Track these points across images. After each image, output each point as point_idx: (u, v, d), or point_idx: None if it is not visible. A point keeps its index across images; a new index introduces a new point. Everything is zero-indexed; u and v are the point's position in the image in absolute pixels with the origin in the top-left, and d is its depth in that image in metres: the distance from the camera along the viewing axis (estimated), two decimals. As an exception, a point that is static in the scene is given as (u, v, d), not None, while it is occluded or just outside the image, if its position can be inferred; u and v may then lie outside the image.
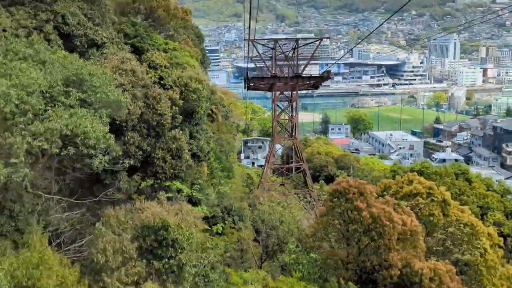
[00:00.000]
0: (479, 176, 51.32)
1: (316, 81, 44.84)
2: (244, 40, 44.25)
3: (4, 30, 16.57)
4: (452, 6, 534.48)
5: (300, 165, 45.59)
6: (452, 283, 21.27)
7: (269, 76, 44.38)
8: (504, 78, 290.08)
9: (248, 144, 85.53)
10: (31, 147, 12.05)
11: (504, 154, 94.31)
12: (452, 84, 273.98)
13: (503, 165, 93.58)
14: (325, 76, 45.46)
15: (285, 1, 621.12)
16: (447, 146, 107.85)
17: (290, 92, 45.64)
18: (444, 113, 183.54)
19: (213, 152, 31.53)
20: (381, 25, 36.50)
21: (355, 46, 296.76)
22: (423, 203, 27.14)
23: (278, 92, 46.58)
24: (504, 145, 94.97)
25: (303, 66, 43.99)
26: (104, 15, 23.10)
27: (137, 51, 24.43)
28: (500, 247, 29.97)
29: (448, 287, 20.98)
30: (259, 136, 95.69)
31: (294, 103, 45.79)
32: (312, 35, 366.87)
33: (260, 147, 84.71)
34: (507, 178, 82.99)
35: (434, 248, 26.65)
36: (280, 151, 65.31)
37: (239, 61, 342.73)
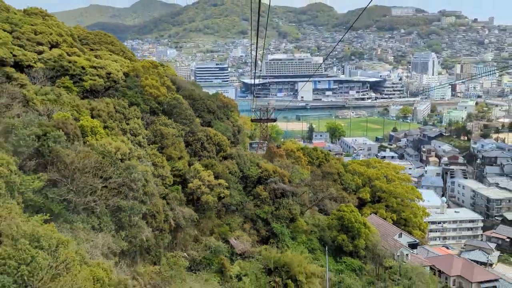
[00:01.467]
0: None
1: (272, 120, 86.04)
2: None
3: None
4: (438, 25, 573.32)
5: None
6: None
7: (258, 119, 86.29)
8: (472, 93, 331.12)
9: (252, 145, 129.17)
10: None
11: (421, 153, 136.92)
12: (426, 98, 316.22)
13: (421, 160, 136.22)
14: (274, 119, 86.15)
15: (287, 19, 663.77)
16: (390, 148, 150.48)
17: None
18: (408, 123, 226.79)
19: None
20: (336, 44, 79.22)
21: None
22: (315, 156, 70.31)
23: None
24: (422, 147, 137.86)
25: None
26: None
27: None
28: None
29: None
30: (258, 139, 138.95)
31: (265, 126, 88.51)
32: (308, 55, 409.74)
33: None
34: (418, 167, 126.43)
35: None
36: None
37: (245, 76, 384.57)
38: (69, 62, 43.11)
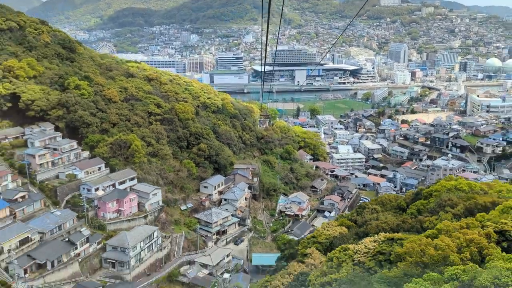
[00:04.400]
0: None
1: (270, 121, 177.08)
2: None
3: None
4: (418, 14, 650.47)
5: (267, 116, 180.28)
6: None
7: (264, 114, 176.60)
8: (426, 79, 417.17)
9: (260, 121, 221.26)
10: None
11: (356, 126, 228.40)
12: (391, 82, 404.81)
13: (356, 130, 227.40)
14: (269, 116, 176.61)
15: (292, 7, 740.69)
16: (341, 122, 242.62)
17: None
18: (368, 105, 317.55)
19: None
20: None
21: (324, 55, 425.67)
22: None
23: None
24: (358, 123, 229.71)
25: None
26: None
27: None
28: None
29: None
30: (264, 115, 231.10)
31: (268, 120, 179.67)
32: (305, 47, 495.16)
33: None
34: (360, 138, 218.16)
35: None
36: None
37: (256, 63, 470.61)
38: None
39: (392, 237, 40.75)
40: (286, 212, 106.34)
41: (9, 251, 62.78)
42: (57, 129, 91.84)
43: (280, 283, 50.56)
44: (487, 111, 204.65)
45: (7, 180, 75.04)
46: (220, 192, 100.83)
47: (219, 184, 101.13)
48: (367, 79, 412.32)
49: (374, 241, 41.13)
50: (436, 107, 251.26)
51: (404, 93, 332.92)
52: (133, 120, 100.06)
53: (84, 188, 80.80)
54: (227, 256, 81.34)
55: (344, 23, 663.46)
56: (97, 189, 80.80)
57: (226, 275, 76.77)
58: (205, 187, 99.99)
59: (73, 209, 76.50)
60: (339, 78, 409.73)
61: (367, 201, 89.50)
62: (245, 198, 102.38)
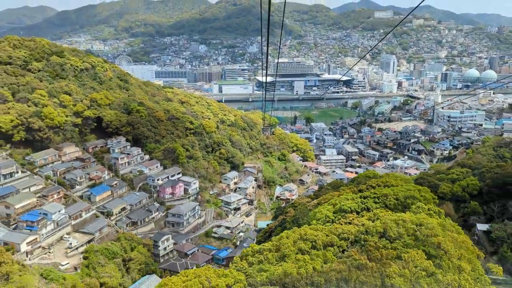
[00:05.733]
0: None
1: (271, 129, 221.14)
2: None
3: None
4: (409, 26, 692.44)
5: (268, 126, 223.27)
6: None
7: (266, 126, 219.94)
8: (411, 88, 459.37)
9: (263, 130, 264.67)
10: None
11: (342, 132, 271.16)
12: (379, 92, 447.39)
13: (342, 136, 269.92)
14: (271, 125, 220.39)
15: (292, 18, 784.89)
16: (330, 129, 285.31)
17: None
18: (355, 113, 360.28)
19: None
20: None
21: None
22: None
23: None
24: (344, 130, 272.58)
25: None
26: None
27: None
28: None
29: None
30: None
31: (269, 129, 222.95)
32: (303, 59, 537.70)
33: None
34: (344, 143, 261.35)
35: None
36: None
37: (259, 73, 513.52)
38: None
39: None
40: (281, 197, 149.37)
41: (116, 213, 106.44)
42: (127, 140, 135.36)
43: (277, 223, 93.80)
44: (448, 121, 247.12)
45: (104, 174, 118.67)
46: (235, 183, 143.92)
47: (234, 177, 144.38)
48: (358, 89, 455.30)
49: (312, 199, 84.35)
50: (410, 116, 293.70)
51: (389, 102, 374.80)
52: (176, 133, 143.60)
53: (149, 179, 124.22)
54: (241, 222, 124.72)
55: (340, 34, 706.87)
56: (157, 180, 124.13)
57: (241, 233, 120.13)
58: (225, 179, 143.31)
59: (144, 192, 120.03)
60: (333, 87, 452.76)
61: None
62: (252, 187, 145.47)
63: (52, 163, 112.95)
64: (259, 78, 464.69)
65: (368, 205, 60.70)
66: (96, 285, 79.69)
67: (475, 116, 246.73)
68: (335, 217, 60.11)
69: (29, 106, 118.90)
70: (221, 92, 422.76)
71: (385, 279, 29.73)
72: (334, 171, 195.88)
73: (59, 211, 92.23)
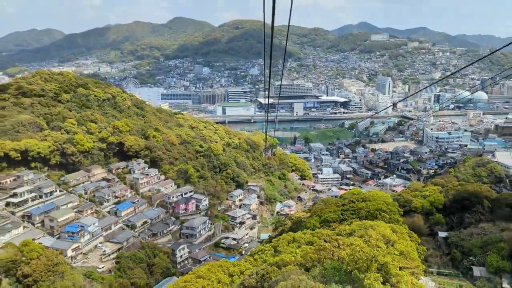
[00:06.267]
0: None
1: (272, 150, 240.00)
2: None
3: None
4: (405, 48, 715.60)
5: (270, 147, 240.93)
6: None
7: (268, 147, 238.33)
8: (406, 109, 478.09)
9: (264, 151, 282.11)
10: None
11: (338, 152, 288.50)
12: (376, 112, 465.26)
13: (338, 156, 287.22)
14: (272, 146, 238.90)
15: (292, 41, 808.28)
16: (328, 149, 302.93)
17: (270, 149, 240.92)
18: (351, 133, 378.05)
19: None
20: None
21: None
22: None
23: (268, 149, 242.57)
24: (340, 150, 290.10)
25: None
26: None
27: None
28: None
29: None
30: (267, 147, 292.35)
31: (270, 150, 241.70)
32: (303, 82, 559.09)
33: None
34: (339, 162, 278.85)
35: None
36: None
37: (260, 95, 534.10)
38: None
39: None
40: (281, 213, 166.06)
41: (138, 226, 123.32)
42: (145, 162, 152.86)
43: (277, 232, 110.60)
44: (437, 141, 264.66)
45: (127, 192, 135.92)
46: (240, 200, 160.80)
47: (239, 195, 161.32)
48: (355, 110, 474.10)
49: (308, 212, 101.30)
50: (402, 137, 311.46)
51: (383, 123, 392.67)
52: (187, 156, 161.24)
53: (165, 197, 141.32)
54: (246, 235, 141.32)
55: (338, 56, 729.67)
56: (172, 197, 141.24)
57: (246, 244, 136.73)
58: (231, 196, 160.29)
59: (162, 207, 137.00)
60: (331, 109, 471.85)
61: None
62: (255, 204, 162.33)
63: (83, 183, 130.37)
64: (261, 100, 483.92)
65: (346, 216, 77.82)
66: (128, 285, 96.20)
67: (461, 137, 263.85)
68: (321, 226, 77.21)
69: (62, 134, 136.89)
70: (225, 113, 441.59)
71: (335, 253, 46.36)
72: (330, 189, 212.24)
73: (94, 224, 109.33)
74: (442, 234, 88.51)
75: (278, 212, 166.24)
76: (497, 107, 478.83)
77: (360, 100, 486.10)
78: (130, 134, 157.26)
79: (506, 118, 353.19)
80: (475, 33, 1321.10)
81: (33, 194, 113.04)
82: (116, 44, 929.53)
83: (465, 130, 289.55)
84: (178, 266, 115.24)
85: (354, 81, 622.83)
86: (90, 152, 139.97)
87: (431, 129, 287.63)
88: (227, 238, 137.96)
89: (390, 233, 55.02)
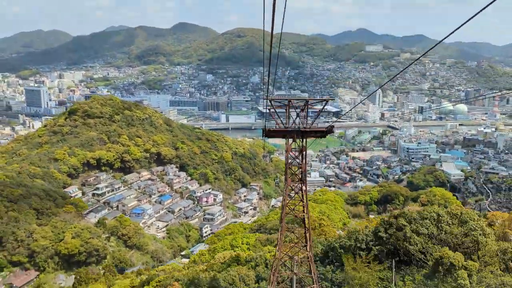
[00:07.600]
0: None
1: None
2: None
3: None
4: (397, 59, 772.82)
5: (268, 153, 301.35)
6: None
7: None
8: (392, 118, 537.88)
9: (264, 156, 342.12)
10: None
11: (326, 159, 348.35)
12: (364, 121, 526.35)
13: (326, 163, 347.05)
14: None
15: (291, 50, 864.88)
16: (317, 156, 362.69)
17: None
18: (340, 141, 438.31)
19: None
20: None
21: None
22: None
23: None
24: (326, 157, 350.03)
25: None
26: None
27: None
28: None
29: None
30: (266, 153, 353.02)
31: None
32: (299, 92, 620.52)
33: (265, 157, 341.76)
34: (325, 168, 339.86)
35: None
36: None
37: (261, 102, 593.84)
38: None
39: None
40: (275, 206, 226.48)
41: (176, 212, 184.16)
42: (176, 167, 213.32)
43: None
44: (407, 151, 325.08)
45: (166, 188, 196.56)
46: (244, 196, 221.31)
47: (244, 192, 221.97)
48: (346, 119, 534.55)
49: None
50: (381, 146, 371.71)
51: (369, 132, 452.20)
52: (206, 162, 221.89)
53: (192, 192, 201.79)
54: (249, 220, 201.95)
55: (335, 66, 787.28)
56: (197, 193, 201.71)
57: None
58: (238, 193, 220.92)
59: (190, 199, 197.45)
60: (324, 118, 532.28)
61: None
62: (256, 199, 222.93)
63: (136, 181, 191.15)
64: (260, 108, 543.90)
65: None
66: (176, 246, 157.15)
67: (427, 149, 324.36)
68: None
69: (119, 146, 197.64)
70: (228, 121, 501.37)
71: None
72: (315, 189, 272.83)
73: (149, 209, 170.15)
74: (372, 216, 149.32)
75: (273, 206, 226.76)
76: (475, 118, 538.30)
77: (350, 110, 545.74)
78: (164, 146, 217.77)
79: (477, 130, 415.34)
80: (471, 40, 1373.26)
81: (108, 188, 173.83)
82: (122, 47, 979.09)
83: (431, 142, 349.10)
84: (204, 239, 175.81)
85: (348, 90, 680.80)
86: (139, 159, 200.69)
87: (404, 141, 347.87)
88: (235, 222, 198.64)
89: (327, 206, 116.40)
